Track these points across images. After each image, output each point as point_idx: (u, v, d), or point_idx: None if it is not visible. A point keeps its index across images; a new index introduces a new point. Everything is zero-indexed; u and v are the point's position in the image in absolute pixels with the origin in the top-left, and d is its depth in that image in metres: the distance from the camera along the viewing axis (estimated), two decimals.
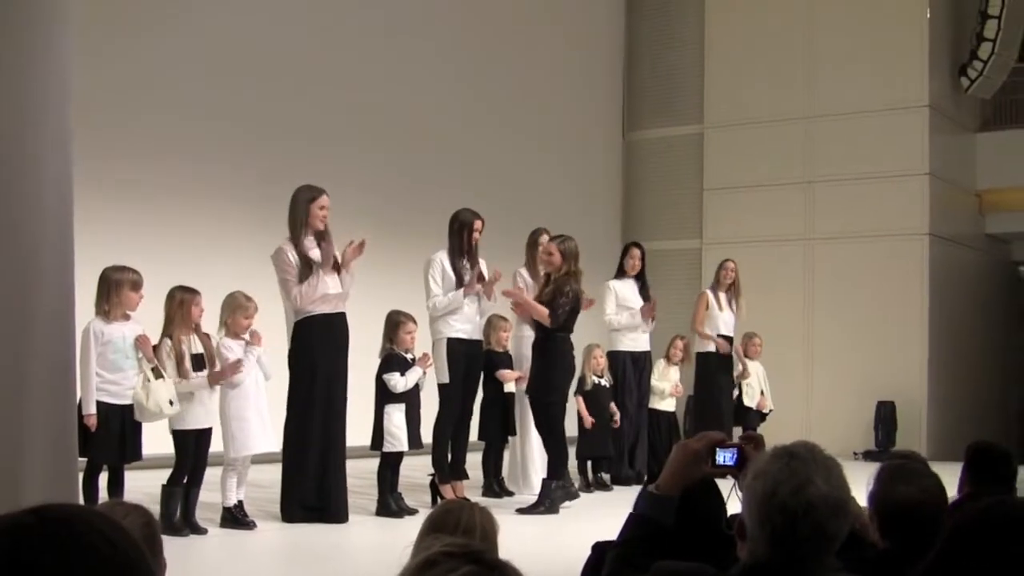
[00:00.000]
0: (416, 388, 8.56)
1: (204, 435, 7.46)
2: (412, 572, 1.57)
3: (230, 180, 11.58)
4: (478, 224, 9.15)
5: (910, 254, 15.00)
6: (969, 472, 4.70)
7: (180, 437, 7.35)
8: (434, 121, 13.89)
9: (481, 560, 1.55)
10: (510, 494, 9.65)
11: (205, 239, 11.26)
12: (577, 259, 8.97)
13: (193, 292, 7.42)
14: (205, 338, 7.50)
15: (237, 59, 11.70)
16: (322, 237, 8.10)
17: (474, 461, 9.54)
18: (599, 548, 3.37)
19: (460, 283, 8.98)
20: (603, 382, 10.53)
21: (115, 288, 7.08)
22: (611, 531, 3.56)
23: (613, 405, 10.56)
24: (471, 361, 9.17)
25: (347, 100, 12.75)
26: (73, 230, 3.79)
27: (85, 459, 6.69)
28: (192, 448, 7.35)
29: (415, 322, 8.69)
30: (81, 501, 3.82)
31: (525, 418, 9.74)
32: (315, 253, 8.04)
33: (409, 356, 8.57)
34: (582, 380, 10.34)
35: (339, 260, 8.10)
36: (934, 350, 14.98)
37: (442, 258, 9.06)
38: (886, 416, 14.54)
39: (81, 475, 6.02)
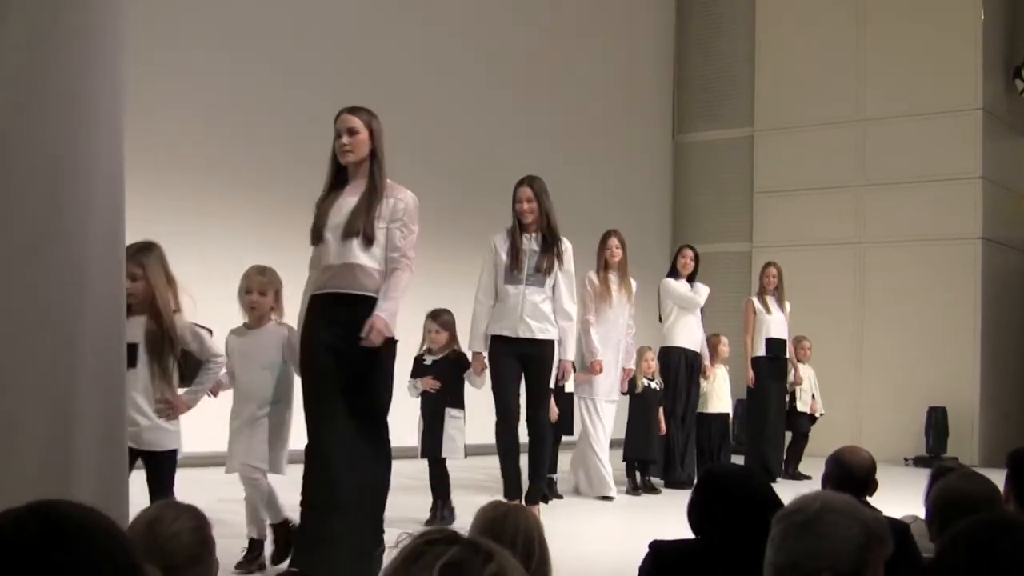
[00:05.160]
0: (432, 393, 7.98)
1: None
2: (398, 567, 1.56)
3: (260, 173, 11.59)
4: (523, 192, 7.87)
5: (962, 258, 14.85)
6: (1015, 482, 4.59)
7: None
8: (483, 123, 13.89)
9: (460, 540, 1.58)
10: (559, 496, 9.55)
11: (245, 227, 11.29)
12: None
13: None
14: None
15: (276, 56, 11.76)
16: (368, 186, 5.58)
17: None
18: (656, 547, 3.38)
19: (516, 264, 7.78)
20: (654, 385, 10.45)
21: None
22: (658, 532, 3.53)
23: (661, 412, 10.46)
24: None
25: (392, 103, 12.71)
26: (124, 228, 3.79)
27: None
28: None
29: (435, 321, 8.07)
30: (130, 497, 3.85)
31: (590, 418, 9.76)
32: (338, 206, 5.57)
33: (429, 359, 8.06)
34: (632, 382, 10.27)
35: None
36: (986, 355, 14.82)
37: (496, 241, 7.99)
38: (937, 422, 14.38)
39: None
